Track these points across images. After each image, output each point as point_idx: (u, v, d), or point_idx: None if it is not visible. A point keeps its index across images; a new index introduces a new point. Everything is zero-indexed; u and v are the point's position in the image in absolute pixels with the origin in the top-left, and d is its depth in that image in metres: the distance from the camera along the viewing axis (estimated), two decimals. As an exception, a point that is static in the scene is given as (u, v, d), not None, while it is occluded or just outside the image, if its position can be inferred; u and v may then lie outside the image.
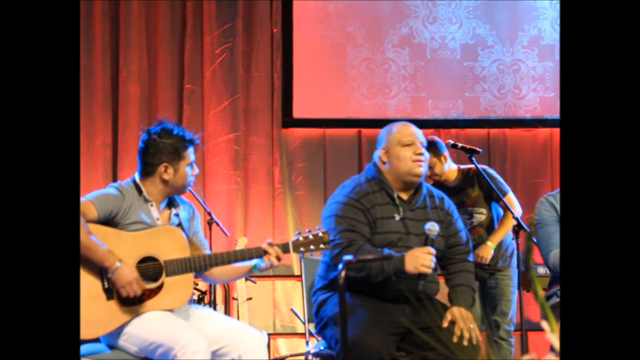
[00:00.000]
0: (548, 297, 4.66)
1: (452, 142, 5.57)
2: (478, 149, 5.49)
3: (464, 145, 5.53)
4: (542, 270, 6.67)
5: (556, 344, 2.07)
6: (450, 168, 6.05)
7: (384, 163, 4.42)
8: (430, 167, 6.02)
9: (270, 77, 7.75)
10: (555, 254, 4.53)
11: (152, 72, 7.62)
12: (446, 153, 6.10)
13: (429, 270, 4.16)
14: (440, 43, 7.90)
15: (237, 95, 7.67)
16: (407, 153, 4.36)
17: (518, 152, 7.85)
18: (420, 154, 4.36)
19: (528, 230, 5.21)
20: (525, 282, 6.67)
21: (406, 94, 7.85)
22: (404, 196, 4.40)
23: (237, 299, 6.83)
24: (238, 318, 6.54)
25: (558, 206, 4.63)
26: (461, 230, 4.49)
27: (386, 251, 4.14)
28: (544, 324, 2.10)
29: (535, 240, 4.82)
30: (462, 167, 6.07)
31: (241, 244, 6.29)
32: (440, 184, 5.99)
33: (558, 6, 7.93)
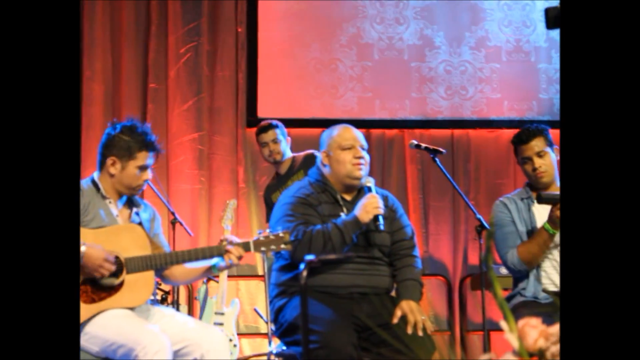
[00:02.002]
0: (511, 297, 4.70)
1: (415, 142, 5.59)
2: (441, 150, 5.52)
3: (427, 145, 5.55)
4: (504, 270, 6.70)
5: (515, 344, 2.09)
6: (288, 150, 6.44)
7: (325, 166, 4.46)
8: (275, 142, 6.34)
9: (235, 77, 7.74)
10: (512, 254, 4.60)
11: (116, 70, 7.59)
12: (289, 139, 6.51)
13: (381, 210, 4.26)
14: (387, 43, 7.91)
15: (202, 95, 7.66)
16: (347, 156, 4.40)
17: (481, 153, 7.89)
18: (360, 157, 4.41)
19: (489, 229, 5.25)
20: (487, 282, 6.71)
21: (353, 94, 7.85)
22: (348, 197, 4.48)
23: (197, 299, 6.82)
24: (201, 318, 6.52)
25: (512, 207, 4.71)
26: (406, 226, 4.56)
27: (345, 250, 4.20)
28: (503, 324, 2.11)
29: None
30: (295, 154, 6.35)
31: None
32: (279, 176, 6.39)
33: (505, 8, 7.97)
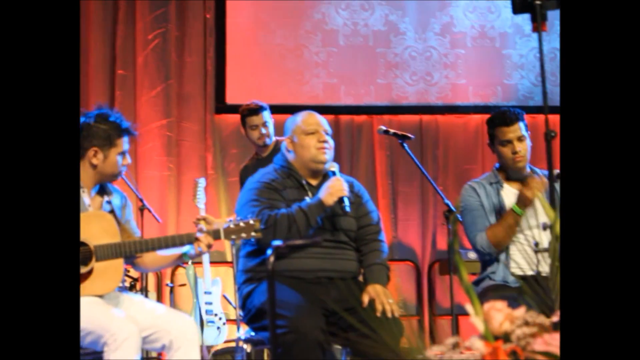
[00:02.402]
0: (480, 280, 4.73)
1: (383, 128, 5.59)
2: (410, 135, 5.53)
3: (396, 131, 5.56)
4: (472, 255, 6.74)
5: (480, 327, 2.10)
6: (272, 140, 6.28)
7: (289, 152, 4.48)
8: (265, 125, 6.22)
9: (203, 63, 7.72)
10: (481, 236, 4.63)
11: (83, 57, 7.54)
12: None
13: (346, 192, 4.30)
14: (352, 29, 7.91)
15: (170, 81, 7.63)
16: (312, 141, 4.44)
17: (450, 139, 7.91)
18: (324, 142, 4.44)
19: (455, 213, 5.28)
20: (454, 266, 6.74)
21: (318, 80, 7.85)
22: (313, 182, 4.50)
23: (170, 285, 6.81)
24: (171, 305, 6.52)
25: (481, 191, 4.74)
26: (372, 211, 4.59)
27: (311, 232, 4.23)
28: (469, 308, 2.13)
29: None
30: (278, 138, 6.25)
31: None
32: (258, 158, 6.28)
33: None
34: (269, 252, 3.04)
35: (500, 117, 4.74)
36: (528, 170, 4.74)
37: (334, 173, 4.41)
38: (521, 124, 4.70)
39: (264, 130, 6.25)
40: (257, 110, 6.29)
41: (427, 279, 7.63)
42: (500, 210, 4.67)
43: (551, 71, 7.80)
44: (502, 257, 4.62)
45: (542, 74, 2.93)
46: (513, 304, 2.16)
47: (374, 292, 4.31)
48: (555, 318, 2.07)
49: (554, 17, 3.07)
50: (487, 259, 4.71)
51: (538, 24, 2.91)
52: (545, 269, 4.52)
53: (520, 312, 2.10)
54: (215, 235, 4.10)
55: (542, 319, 2.06)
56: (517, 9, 2.96)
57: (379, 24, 7.92)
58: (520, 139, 4.67)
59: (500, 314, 2.09)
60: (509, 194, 4.66)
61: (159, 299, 7.07)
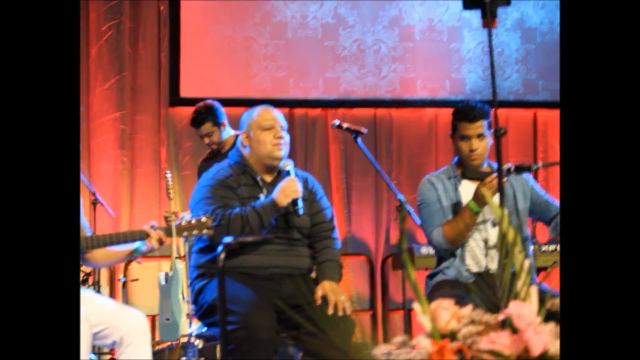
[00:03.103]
0: (434, 275, 4.74)
1: (337, 122, 5.59)
2: (363, 130, 5.52)
3: (349, 126, 5.55)
4: (425, 250, 6.78)
5: (427, 325, 2.11)
6: (229, 134, 6.27)
7: (245, 147, 4.46)
8: (209, 135, 6.16)
9: (157, 55, 7.67)
10: (437, 232, 4.62)
11: (35, 48, 7.45)
12: (225, 121, 6.33)
13: (300, 194, 4.32)
14: (301, 22, 7.89)
15: (124, 73, 7.57)
16: (268, 137, 4.44)
17: (403, 133, 7.93)
18: (280, 137, 4.44)
19: (411, 211, 5.30)
20: (403, 263, 6.76)
21: (267, 73, 7.83)
22: (268, 178, 4.50)
23: (123, 280, 6.77)
24: (123, 300, 6.49)
25: (439, 185, 4.72)
26: (326, 208, 4.61)
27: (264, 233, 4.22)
28: (416, 306, 2.13)
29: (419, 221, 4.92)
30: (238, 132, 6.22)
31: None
32: (218, 152, 6.24)
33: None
34: (220, 249, 3.04)
35: (464, 112, 4.69)
36: (486, 166, 4.75)
37: (288, 173, 4.40)
38: (484, 122, 4.66)
39: (207, 141, 6.27)
40: (198, 122, 6.29)
41: (380, 274, 7.65)
42: (457, 205, 4.66)
43: (499, 66, 7.84)
44: (458, 252, 4.62)
45: (492, 71, 2.94)
46: (460, 302, 2.17)
47: (327, 288, 4.32)
48: (502, 316, 2.08)
49: (502, 12, 3.09)
50: (443, 254, 4.71)
51: (488, 20, 2.92)
52: (494, 266, 4.55)
53: (467, 310, 2.11)
54: (167, 232, 4.08)
55: (488, 318, 2.07)
56: (467, 5, 2.97)
57: (328, 17, 7.89)
58: (480, 136, 4.65)
59: (447, 313, 2.10)
60: (467, 188, 4.65)
61: (112, 294, 7.02)
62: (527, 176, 4.81)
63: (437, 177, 4.77)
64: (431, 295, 4.60)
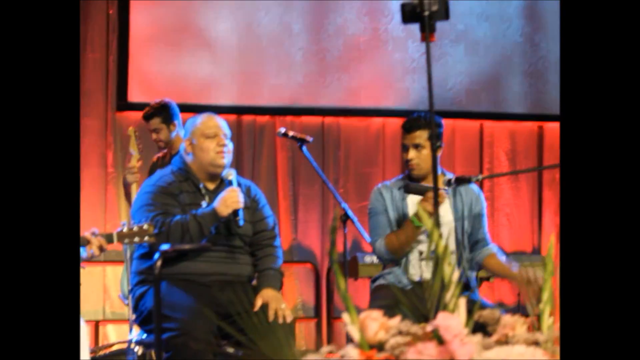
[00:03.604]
0: (377, 278, 4.79)
1: (283, 130, 5.61)
2: (308, 138, 5.55)
3: (295, 134, 5.58)
4: (368, 259, 6.81)
5: (356, 336, 2.13)
6: (178, 136, 6.16)
7: (188, 154, 4.46)
8: (157, 132, 6.17)
9: (105, 60, 7.62)
10: (380, 243, 4.67)
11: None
12: (177, 122, 6.32)
13: (241, 204, 4.31)
14: (247, 30, 7.86)
15: (71, 77, 7.51)
16: (211, 144, 4.44)
17: (351, 141, 7.96)
18: (224, 145, 4.45)
19: (354, 220, 5.33)
20: (351, 270, 6.80)
21: (213, 78, 7.81)
22: (210, 186, 4.51)
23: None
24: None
25: (387, 195, 4.75)
26: (268, 216, 4.63)
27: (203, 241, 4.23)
28: (345, 316, 2.15)
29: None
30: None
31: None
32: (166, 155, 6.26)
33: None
34: (156, 256, 3.04)
35: (405, 122, 4.74)
36: (439, 173, 4.76)
37: (230, 182, 4.41)
38: (422, 132, 4.67)
39: (155, 137, 6.28)
40: (147, 116, 6.32)
41: (325, 281, 7.67)
42: (403, 216, 4.70)
43: (442, 77, 7.87)
44: (402, 262, 4.67)
45: (429, 84, 2.96)
46: (388, 312, 2.20)
47: (268, 296, 4.33)
48: (430, 327, 2.11)
49: (445, 24, 3.12)
50: (386, 263, 4.77)
51: (426, 34, 2.95)
52: (427, 276, 4.59)
53: (395, 321, 2.13)
54: (108, 239, 4.07)
55: (416, 329, 2.10)
56: (406, 19, 3.01)
57: (274, 25, 7.87)
58: (417, 147, 4.66)
59: (376, 323, 2.12)
60: (414, 199, 4.68)
61: (54, 298, 6.97)
62: (479, 192, 4.86)
63: (388, 187, 4.81)
64: (370, 301, 4.68)
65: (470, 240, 4.75)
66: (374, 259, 6.50)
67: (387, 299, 4.45)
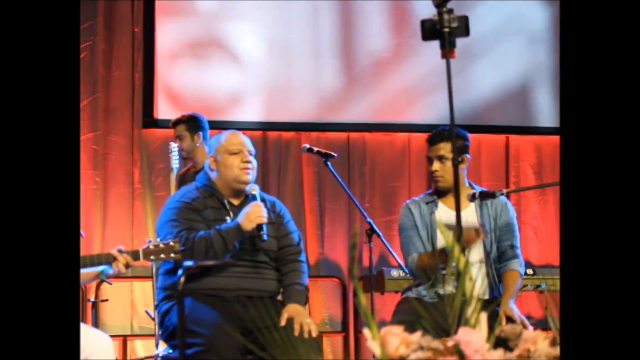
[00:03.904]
0: (405, 290, 4.82)
1: (307, 146, 5.64)
2: (333, 154, 5.58)
3: (320, 149, 5.61)
4: (394, 273, 6.82)
5: (377, 351, 2.13)
6: (202, 149, 6.24)
7: (212, 170, 4.49)
8: (180, 138, 6.29)
9: (131, 77, 7.67)
10: (412, 259, 4.72)
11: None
12: (202, 134, 6.41)
13: (265, 219, 4.33)
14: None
15: (97, 94, 7.57)
16: (235, 161, 4.46)
17: (376, 156, 7.97)
18: (248, 162, 4.47)
19: (380, 234, 5.35)
20: (377, 284, 6.81)
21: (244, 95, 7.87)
22: (235, 202, 4.52)
23: (92, 301, 6.76)
24: (93, 320, 6.49)
25: (415, 211, 4.79)
26: (293, 232, 4.64)
27: (228, 257, 4.24)
28: (366, 332, 2.16)
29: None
30: None
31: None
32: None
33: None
34: (180, 272, 3.06)
35: (429, 135, 4.82)
36: (467, 185, 4.81)
37: (254, 197, 4.43)
38: (446, 145, 4.72)
39: (177, 142, 6.36)
40: (174, 122, 6.45)
41: (352, 296, 7.67)
42: (430, 231, 4.73)
43: (467, 91, 7.86)
44: (433, 276, 4.69)
45: (450, 100, 2.98)
46: (408, 328, 2.20)
47: (293, 311, 4.34)
48: (451, 342, 2.11)
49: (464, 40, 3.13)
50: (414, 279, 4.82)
51: (446, 51, 2.97)
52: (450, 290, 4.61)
53: (416, 336, 2.14)
54: (134, 255, 4.09)
55: (436, 344, 2.10)
56: (426, 36, 3.02)
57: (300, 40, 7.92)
58: (441, 159, 4.72)
59: (396, 339, 2.13)
60: (442, 215, 4.71)
61: (82, 314, 7.00)
62: (506, 201, 4.87)
63: (416, 202, 4.87)
64: (393, 314, 4.72)
65: (499, 251, 4.77)
66: (401, 272, 6.52)
67: (408, 313, 4.46)
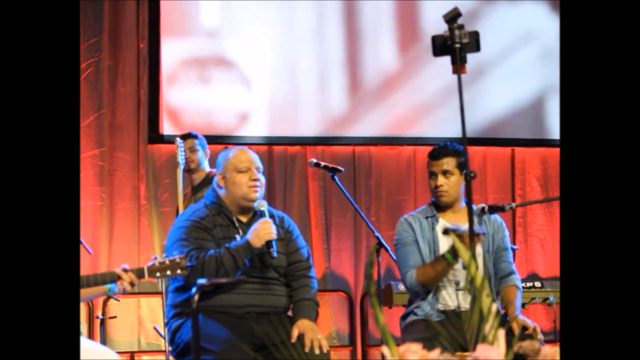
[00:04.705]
0: (406, 315, 4.77)
1: (314, 160, 5.65)
2: (340, 168, 5.58)
3: (327, 164, 5.62)
4: (402, 287, 6.80)
5: (396, 368, 2.13)
6: (206, 165, 6.58)
7: (220, 188, 4.49)
8: (191, 150, 6.51)
9: (136, 93, 7.69)
10: (411, 274, 4.66)
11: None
12: (208, 152, 6.65)
13: (274, 235, 4.32)
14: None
15: (103, 110, 7.58)
16: (243, 179, 4.45)
17: (382, 170, 7.98)
18: (256, 180, 4.46)
19: (387, 248, 5.33)
20: (385, 298, 6.80)
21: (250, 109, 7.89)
22: (243, 219, 4.51)
23: (100, 318, 6.76)
24: (102, 337, 6.49)
25: (416, 226, 4.75)
26: (302, 247, 4.63)
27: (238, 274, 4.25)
28: (385, 350, 2.16)
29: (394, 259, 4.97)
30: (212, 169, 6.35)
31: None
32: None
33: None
34: (194, 290, 3.06)
35: (432, 150, 4.79)
36: (463, 205, 4.79)
37: (263, 213, 4.42)
38: (450, 160, 4.71)
39: (189, 155, 6.45)
40: (186, 136, 6.59)
41: (359, 310, 7.67)
42: (434, 246, 4.69)
43: (473, 103, 7.88)
44: (430, 295, 4.65)
45: (462, 115, 2.98)
46: (428, 345, 2.20)
47: (304, 327, 4.34)
48: (469, 359, 2.11)
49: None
50: (415, 295, 4.75)
51: (457, 66, 2.97)
52: (466, 307, 4.59)
53: (435, 354, 2.14)
54: (139, 273, 4.09)
55: (455, 361, 2.10)
56: (437, 52, 3.03)
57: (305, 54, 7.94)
58: (446, 173, 4.70)
59: (415, 356, 2.13)
60: (443, 228, 4.68)
61: (90, 331, 7.00)
62: (501, 222, 4.87)
63: (415, 217, 4.80)
64: (403, 335, 4.66)
65: (496, 269, 4.75)
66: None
67: (421, 332, 4.45)
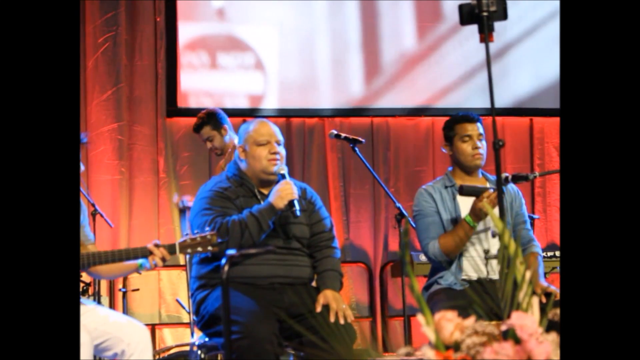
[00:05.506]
0: (429, 286, 4.77)
1: (335, 132, 5.65)
2: (361, 139, 5.58)
3: (347, 135, 5.62)
4: (423, 257, 6.81)
5: (432, 337, 2.14)
6: (232, 140, 6.26)
7: (241, 160, 4.51)
8: (210, 140, 6.22)
9: (154, 66, 7.69)
10: (433, 244, 4.65)
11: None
12: (227, 125, 6.39)
13: (296, 195, 4.33)
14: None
15: (121, 85, 7.59)
16: (263, 152, 4.46)
17: (400, 141, 7.97)
18: (276, 153, 4.46)
19: (410, 220, 5.32)
20: (408, 277, 6.81)
21: (261, 81, 7.88)
22: (265, 191, 4.51)
23: (123, 290, 6.79)
24: (124, 309, 6.53)
25: (437, 196, 4.75)
26: (325, 218, 4.64)
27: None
28: (420, 318, 2.17)
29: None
30: None
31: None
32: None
33: None
34: (224, 261, 3.07)
35: (462, 116, 4.79)
36: (480, 176, 4.79)
37: (283, 176, 4.42)
38: (479, 126, 4.75)
39: (209, 145, 6.35)
40: (197, 127, 6.41)
41: (379, 281, 7.69)
42: (456, 216, 4.69)
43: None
44: (454, 264, 4.66)
45: (490, 84, 2.98)
46: (463, 313, 2.21)
47: (329, 297, 4.35)
48: (504, 327, 2.12)
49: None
50: (438, 265, 4.75)
51: (485, 35, 2.96)
52: (494, 276, 4.59)
53: (470, 321, 2.15)
54: (170, 249, 4.10)
55: (491, 328, 2.11)
56: (464, 21, 3.02)
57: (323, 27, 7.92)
58: (480, 137, 4.73)
59: (451, 324, 2.14)
60: (465, 198, 4.67)
61: (112, 303, 7.04)
62: (517, 190, 4.87)
63: (434, 187, 4.80)
64: (429, 305, 4.65)
65: (515, 236, 4.74)
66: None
67: (450, 301, 4.45)
